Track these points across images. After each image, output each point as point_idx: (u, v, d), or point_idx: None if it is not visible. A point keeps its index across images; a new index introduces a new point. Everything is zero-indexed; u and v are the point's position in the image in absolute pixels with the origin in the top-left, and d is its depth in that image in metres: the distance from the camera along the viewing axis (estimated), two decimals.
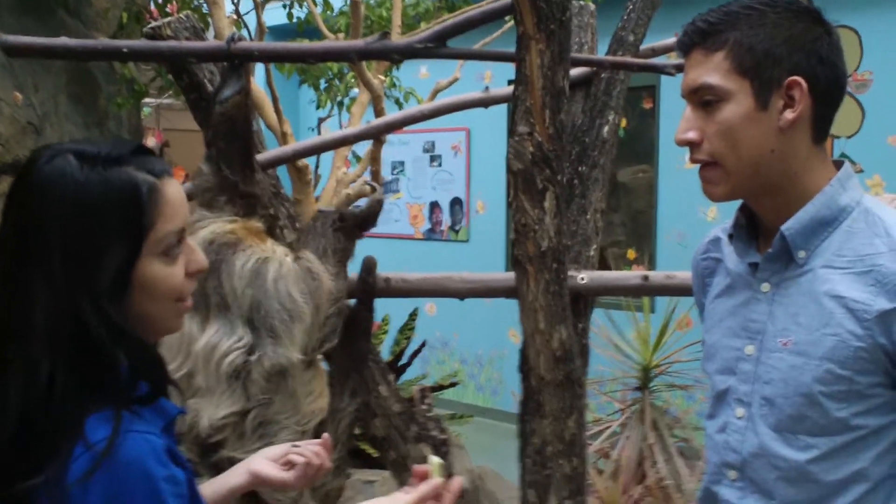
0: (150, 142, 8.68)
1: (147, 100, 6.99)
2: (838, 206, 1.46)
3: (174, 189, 1.27)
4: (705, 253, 1.71)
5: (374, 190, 2.41)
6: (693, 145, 1.49)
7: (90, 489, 1.12)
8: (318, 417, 2.14)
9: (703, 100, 1.47)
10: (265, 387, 1.97)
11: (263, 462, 1.58)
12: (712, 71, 1.45)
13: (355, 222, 2.26)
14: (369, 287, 2.30)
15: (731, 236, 1.58)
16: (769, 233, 1.51)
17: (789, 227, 1.46)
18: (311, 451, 1.59)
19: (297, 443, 1.61)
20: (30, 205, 1.20)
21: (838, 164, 1.51)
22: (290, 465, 1.58)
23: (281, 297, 2.02)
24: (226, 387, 1.96)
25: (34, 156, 1.24)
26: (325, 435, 1.66)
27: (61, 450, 1.15)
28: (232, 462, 1.87)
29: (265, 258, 2.06)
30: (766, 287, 1.50)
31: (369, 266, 2.32)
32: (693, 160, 1.51)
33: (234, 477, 1.59)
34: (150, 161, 1.26)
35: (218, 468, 1.86)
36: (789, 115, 1.43)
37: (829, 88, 1.45)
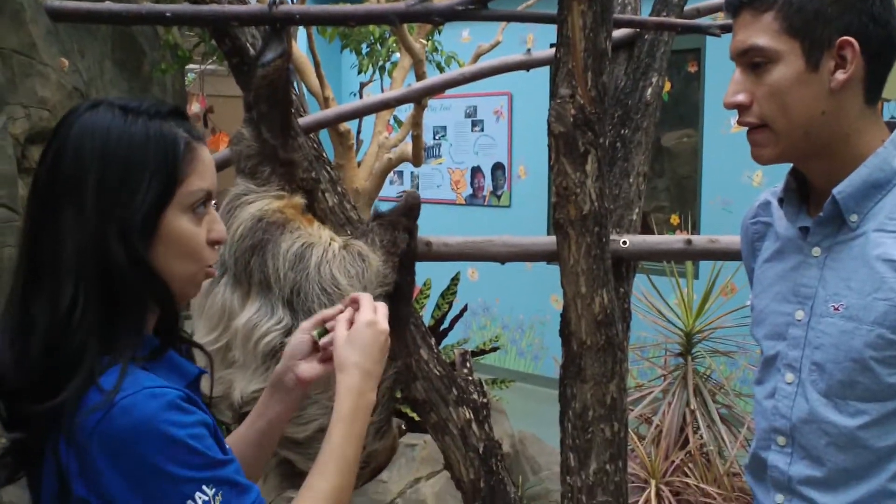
0: (195, 108, 8.73)
1: (191, 66, 7.03)
2: (892, 168, 1.43)
3: (207, 154, 1.34)
4: (755, 217, 1.68)
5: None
6: (742, 108, 1.47)
7: (118, 467, 1.14)
8: None
9: (753, 62, 1.44)
10: None
11: (304, 367, 1.56)
12: (761, 32, 1.42)
13: (398, 212, 2.25)
14: (410, 251, 2.30)
15: (781, 200, 1.55)
16: (820, 196, 1.48)
17: (841, 190, 1.43)
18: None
19: (315, 320, 1.60)
20: (68, 145, 1.25)
21: (892, 126, 1.48)
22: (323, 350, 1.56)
23: (323, 281, 2.02)
24: (260, 363, 1.98)
25: (75, 107, 1.30)
26: (347, 299, 1.60)
27: (74, 381, 1.18)
28: None
29: (310, 243, 2.06)
30: (817, 251, 1.48)
31: (410, 230, 2.32)
32: (741, 123, 1.49)
33: (273, 405, 1.57)
34: (188, 125, 1.33)
35: None
36: (841, 75, 1.40)
37: (881, 48, 1.42)
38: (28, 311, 1.23)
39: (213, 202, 1.35)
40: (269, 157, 2.16)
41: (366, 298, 1.54)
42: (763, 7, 1.42)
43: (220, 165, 2.67)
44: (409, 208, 2.26)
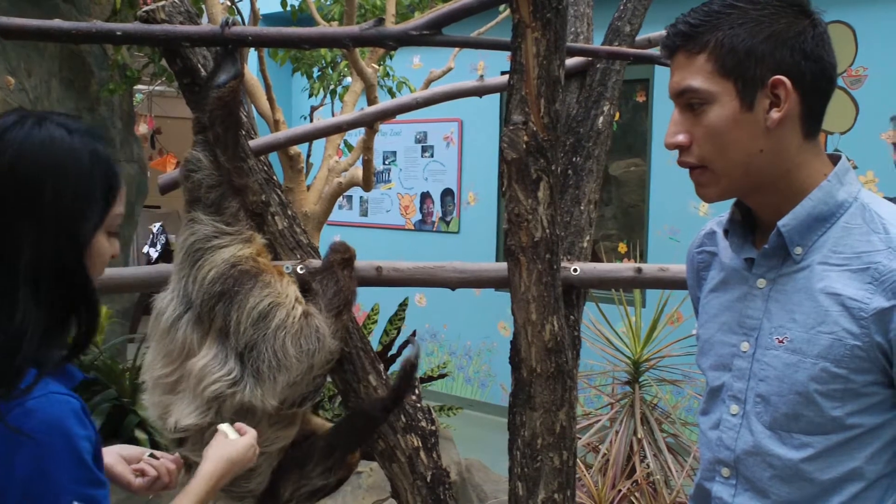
0: (142, 128, 8.62)
1: (139, 86, 6.95)
2: (835, 201, 1.44)
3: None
4: (700, 246, 1.69)
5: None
6: (682, 148, 1.47)
7: (19, 452, 1.20)
8: (282, 443, 2.18)
9: (689, 102, 1.45)
10: (234, 415, 2.04)
11: (116, 458, 1.68)
12: (696, 74, 1.43)
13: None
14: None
15: (726, 231, 1.56)
16: (765, 227, 1.50)
17: (786, 223, 1.44)
18: (163, 467, 1.73)
19: (155, 452, 1.75)
20: (22, 157, 1.30)
21: (835, 158, 1.50)
22: (142, 472, 1.71)
23: (276, 346, 2.06)
24: (202, 404, 2.04)
25: (14, 119, 1.33)
26: (177, 455, 1.81)
27: (11, 389, 1.22)
28: (188, 461, 1.96)
29: (277, 304, 2.09)
30: (761, 283, 1.49)
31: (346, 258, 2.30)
32: (681, 164, 1.49)
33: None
34: (114, 151, 1.39)
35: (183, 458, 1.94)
36: (775, 114, 1.41)
37: (815, 83, 1.42)
38: None
39: None
40: (230, 186, 2.15)
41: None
42: (696, 49, 1.43)
43: (170, 186, 2.63)
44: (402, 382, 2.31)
